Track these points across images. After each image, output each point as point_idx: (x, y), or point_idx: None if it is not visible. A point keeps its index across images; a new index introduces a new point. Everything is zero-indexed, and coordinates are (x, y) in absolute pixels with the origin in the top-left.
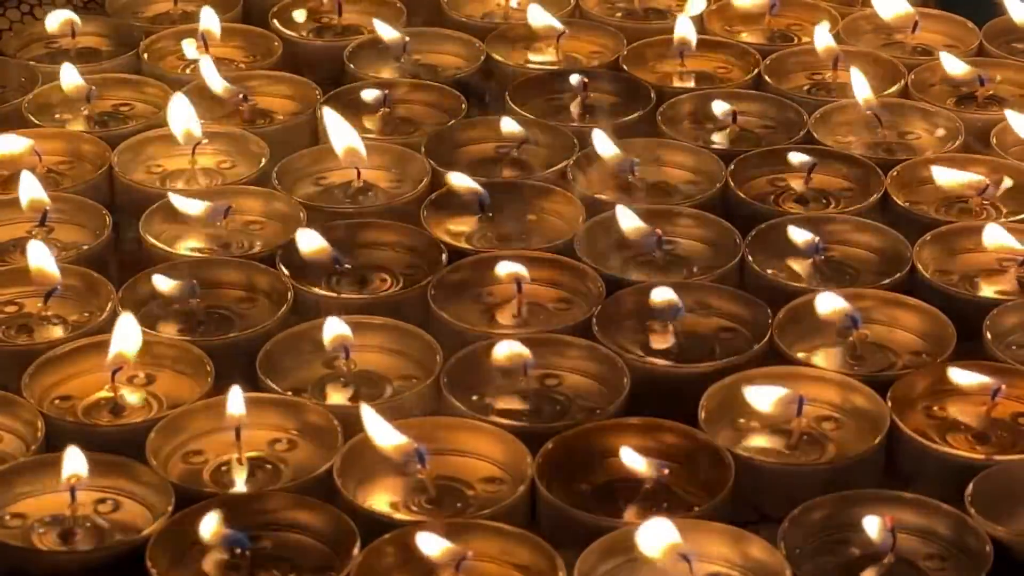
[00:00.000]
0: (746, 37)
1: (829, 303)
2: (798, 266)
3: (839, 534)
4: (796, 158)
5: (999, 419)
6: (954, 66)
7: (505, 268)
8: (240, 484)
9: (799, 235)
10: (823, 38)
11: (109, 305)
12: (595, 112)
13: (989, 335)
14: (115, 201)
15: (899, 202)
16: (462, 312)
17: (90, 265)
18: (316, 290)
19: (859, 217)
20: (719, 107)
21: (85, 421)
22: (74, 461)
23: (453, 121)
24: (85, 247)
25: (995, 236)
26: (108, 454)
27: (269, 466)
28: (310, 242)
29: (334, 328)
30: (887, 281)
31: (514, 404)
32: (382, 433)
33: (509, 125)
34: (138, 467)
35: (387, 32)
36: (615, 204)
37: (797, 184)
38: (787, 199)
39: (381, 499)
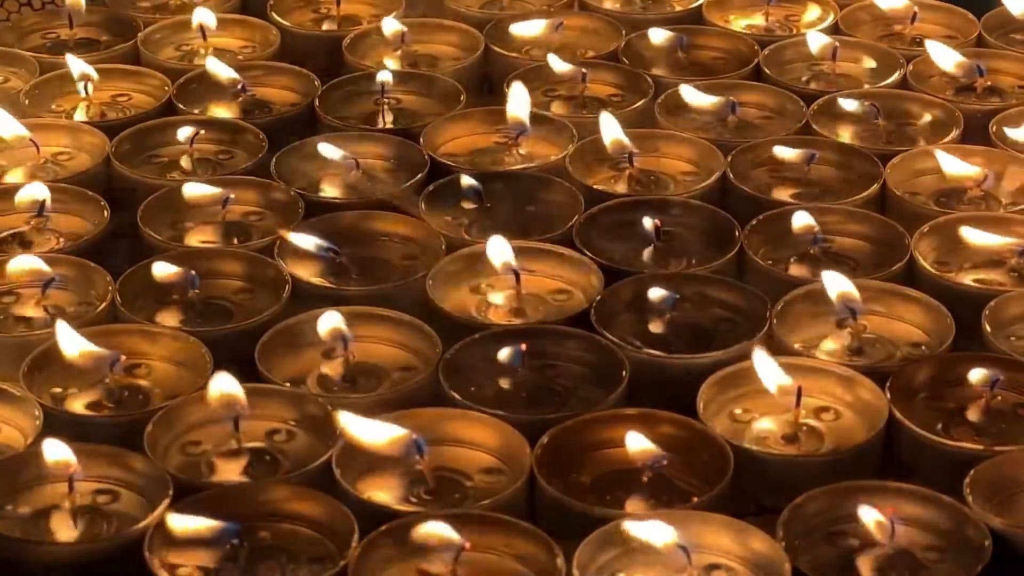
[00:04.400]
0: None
1: (835, 285)
2: (797, 257)
3: (838, 526)
4: (791, 152)
5: (999, 410)
6: (945, 58)
7: (501, 259)
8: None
9: (798, 226)
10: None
11: (107, 296)
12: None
13: (988, 326)
14: (113, 191)
15: (897, 193)
16: (461, 303)
17: (88, 256)
18: (314, 281)
19: (858, 208)
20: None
21: (84, 412)
22: None
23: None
24: (84, 238)
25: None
26: (107, 445)
27: (268, 457)
28: (304, 242)
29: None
30: (885, 272)
31: (512, 395)
32: (371, 435)
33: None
34: (136, 458)
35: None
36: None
37: (796, 175)
38: (786, 190)
39: (380, 490)
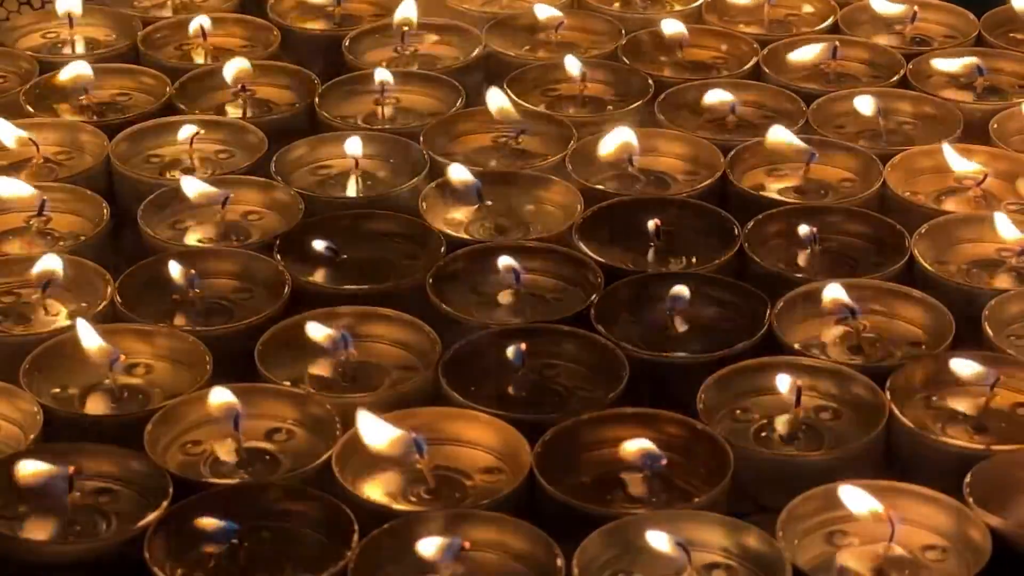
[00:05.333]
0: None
1: (832, 293)
2: (796, 256)
3: (838, 526)
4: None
5: (998, 409)
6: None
7: (502, 261)
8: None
9: (796, 225)
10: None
11: (107, 295)
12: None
13: (988, 325)
14: (113, 191)
15: (898, 192)
16: (461, 302)
17: (88, 255)
18: (314, 280)
19: (858, 207)
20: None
21: (84, 411)
22: None
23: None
24: (83, 237)
25: (1003, 226)
26: (106, 444)
27: (268, 456)
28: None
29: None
30: (885, 272)
31: (513, 395)
32: (376, 434)
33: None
34: (136, 457)
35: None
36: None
37: (795, 174)
38: (785, 189)
39: (380, 490)
